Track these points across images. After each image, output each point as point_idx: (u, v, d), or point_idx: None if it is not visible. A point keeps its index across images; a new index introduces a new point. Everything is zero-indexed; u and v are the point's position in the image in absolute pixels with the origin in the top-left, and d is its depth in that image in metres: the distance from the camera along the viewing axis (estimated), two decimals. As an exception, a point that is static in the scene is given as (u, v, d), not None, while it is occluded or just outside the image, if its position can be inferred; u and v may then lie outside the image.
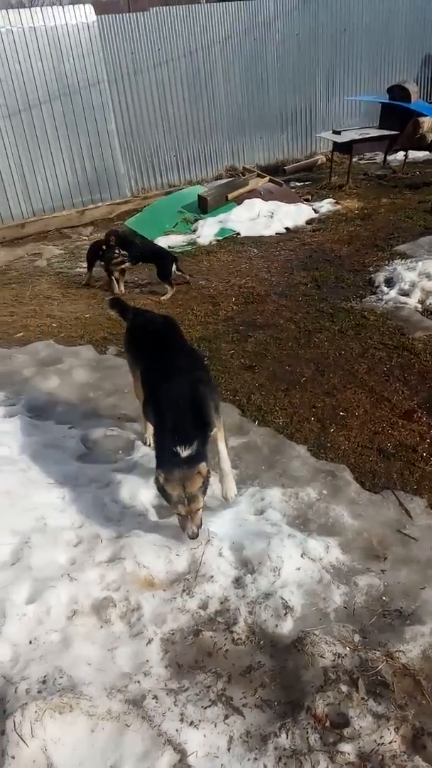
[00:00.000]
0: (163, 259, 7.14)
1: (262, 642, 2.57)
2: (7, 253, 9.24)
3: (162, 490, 2.88)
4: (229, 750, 2.14)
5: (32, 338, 6.04)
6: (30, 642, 2.49)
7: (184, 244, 8.75)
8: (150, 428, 3.90)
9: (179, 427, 2.91)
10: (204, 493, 2.92)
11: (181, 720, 2.19)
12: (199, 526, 2.88)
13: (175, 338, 3.77)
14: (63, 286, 7.64)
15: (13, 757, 2.05)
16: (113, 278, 7.30)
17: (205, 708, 2.26)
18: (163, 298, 6.90)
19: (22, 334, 6.21)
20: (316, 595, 2.80)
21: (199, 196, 9.64)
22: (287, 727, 2.18)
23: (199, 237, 8.83)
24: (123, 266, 7.27)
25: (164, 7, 11.01)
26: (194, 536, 2.87)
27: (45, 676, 2.30)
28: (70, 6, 9.87)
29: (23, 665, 2.37)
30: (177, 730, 2.14)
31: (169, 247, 8.60)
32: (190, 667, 2.46)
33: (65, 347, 5.76)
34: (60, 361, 5.40)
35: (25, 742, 2.05)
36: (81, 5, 9.85)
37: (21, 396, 4.80)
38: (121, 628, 2.63)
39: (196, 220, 9.38)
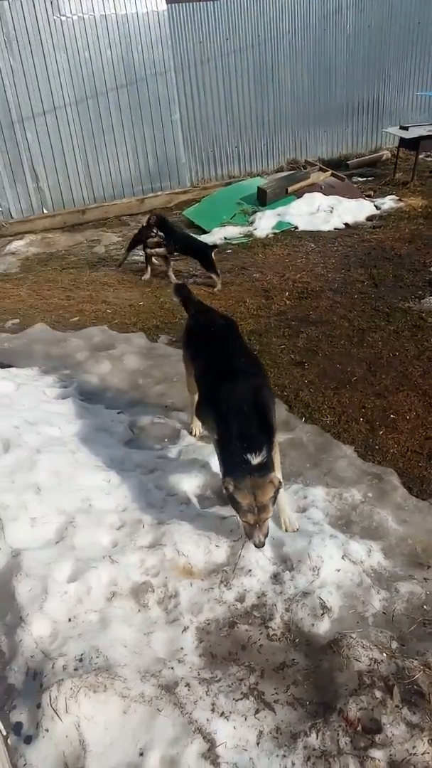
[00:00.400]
0: (203, 252, 7.21)
1: (297, 640, 2.56)
2: (67, 239, 9.42)
3: (231, 498, 2.77)
4: (258, 744, 2.14)
5: (87, 323, 6.15)
6: (69, 620, 2.55)
7: (241, 236, 8.72)
8: (197, 422, 3.90)
9: (248, 433, 2.81)
10: (274, 502, 2.82)
11: (212, 710, 2.20)
12: (266, 535, 2.79)
13: (237, 341, 3.67)
14: (119, 272, 7.74)
15: (47, 730, 2.11)
16: (150, 262, 7.45)
17: (237, 700, 2.27)
18: (216, 289, 6.93)
19: (77, 318, 6.33)
20: (355, 598, 2.76)
21: (258, 188, 9.59)
22: (318, 727, 2.17)
23: (255, 229, 8.78)
24: (159, 249, 7.34)
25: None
26: (261, 545, 2.78)
27: (82, 655, 2.35)
28: (142, -6, 9.93)
29: (61, 642, 2.43)
30: (207, 720, 2.16)
31: (225, 238, 8.61)
32: (223, 658, 2.47)
33: (118, 333, 5.85)
34: (112, 347, 5.49)
35: (59, 716, 2.10)
36: (152, -6, 9.91)
37: (74, 379, 4.91)
38: (157, 614, 2.66)
39: (254, 213, 9.33)
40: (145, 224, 7.40)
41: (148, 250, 7.37)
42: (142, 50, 9.97)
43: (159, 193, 10.77)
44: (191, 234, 8.05)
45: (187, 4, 10.60)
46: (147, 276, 7.46)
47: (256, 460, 2.73)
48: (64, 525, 3.08)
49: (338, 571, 2.86)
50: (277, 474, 3.18)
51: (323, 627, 2.60)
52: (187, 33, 10.38)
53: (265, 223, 8.88)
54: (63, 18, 9.28)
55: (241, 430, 2.82)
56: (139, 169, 10.62)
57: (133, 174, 10.59)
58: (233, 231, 8.88)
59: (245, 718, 2.21)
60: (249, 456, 2.73)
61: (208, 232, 8.93)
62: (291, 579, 2.80)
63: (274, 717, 2.24)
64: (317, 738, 2.14)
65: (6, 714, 2.25)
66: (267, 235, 8.60)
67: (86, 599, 2.65)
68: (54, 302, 6.85)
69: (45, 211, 9.98)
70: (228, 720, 2.18)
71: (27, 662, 2.38)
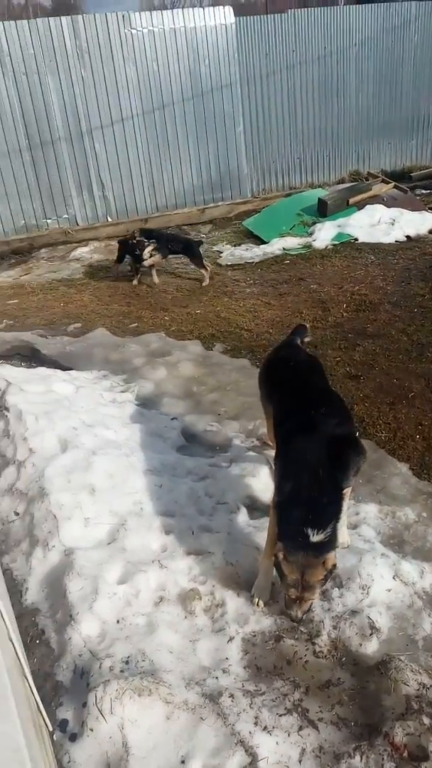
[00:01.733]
0: (191, 247, 7.59)
1: (344, 659, 2.52)
2: (128, 246, 9.60)
3: (278, 567, 2.49)
4: (300, 762, 2.12)
5: (145, 330, 6.26)
6: (117, 621, 2.59)
7: (299, 246, 8.69)
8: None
9: (314, 505, 2.46)
10: (323, 585, 2.52)
11: (255, 723, 2.19)
12: (305, 613, 2.54)
13: (319, 379, 3.28)
14: (178, 281, 7.84)
15: (92, 730, 2.14)
16: (139, 270, 7.72)
17: (280, 716, 2.24)
18: (204, 284, 7.35)
19: (136, 324, 6.45)
20: (405, 619, 2.69)
21: (319, 199, 9.54)
22: (362, 750, 2.12)
23: (315, 240, 8.74)
24: (156, 257, 7.58)
25: (302, 9, 10.96)
26: (297, 621, 2.55)
27: (128, 657, 2.38)
28: (211, 8, 10.08)
29: (109, 643, 2.47)
30: (250, 733, 2.15)
31: (283, 249, 8.60)
32: (268, 671, 2.46)
33: (175, 341, 5.92)
34: (169, 354, 5.56)
35: (104, 717, 2.14)
36: (221, 7, 10.04)
37: (131, 384, 4.99)
38: (204, 622, 2.66)
39: (314, 224, 9.29)
40: (131, 239, 7.70)
41: (146, 261, 7.61)
42: (209, 63, 10.12)
43: (220, 203, 10.87)
44: (176, 233, 8.35)
45: (255, 16, 10.71)
46: (135, 282, 7.76)
47: (315, 537, 2.40)
48: (116, 527, 3.14)
49: (389, 591, 2.80)
50: (342, 534, 2.96)
51: (371, 647, 2.55)
52: (253, 45, 10.46)
53: (324, 234, 8.82)
54: (134, 31, 9.53)
55: (308, 499, 2.48)
56: (202, 179, 10.75)
57: (196, 184, 10.73)
58: (292, 242, 8.86)
59: (288, 734, 2.19)
60: (309, 531, 2.40)
61: (267, 243, 8.95)
62: (340, 596, 2.76)
63: (317, 735, 2.21)
64: (361, 761, 2.09)
65: (53, 710, 2.30)
66: (326, 247, 8.54)
67: (134, 602, 2.68)
68: (114, 308, 7.01)
69: (109, 219, 10.23)
70: (271, 735, 2.17)
71: (75, 660, 2.43)
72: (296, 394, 3.07)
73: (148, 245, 7.50)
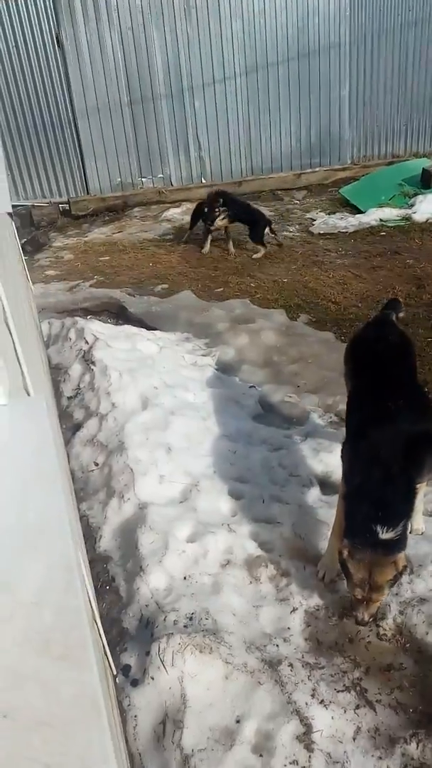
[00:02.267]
0: (256, 222, 7.39)
1: (408, 645, 2.46)
2: (220, 209, 9.53)
3: (343, 565, 2.36)
4: (354, 740, 2.11)
5: (231, 295, 6.23)
6: (185, 578, 2.65)
7: (398, 218, 8.31)
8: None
9: (385, 501, 2.33)
10: (392, 586, 2.40)
11: (312, 695, 2.19)
12: (372, 616, 2.41)
13: (405, 368, 3.01)
14: (267, 247, 7.71)
15: (153, 678, 2.22)
16: (209, 236, 7.61)
17: (338, 692, 2.24)
18: (255, 256, 7.28)
19: (222, 289, 6.43)
20: None
21: (423, 169, 9.04)
22: (419, 737, 2.08)
23: (415, 213, 8.31)
24: (221, 221, 7.42)
25: (425, -37, 10.24)
26: (363, 624, 2.41)
27: (192, 614, 2.44)
28: (326, -39, 9.61)
29: (175, 597, 2.54)
30: (306, 704, 2.16)
31: (380, 220, 8.25)
32: (329, 647, 2.44)
33: (259, 308, 5.86)
34: (252, 321, 5.52)
35: (165, 668, 2.20)
36: (337, -40, 9.55)
37: (213, 348, 5.01)
38: (268, 589, 2.68)
39: (416, 195, 8.82)
40: (207, 201, 7.52)
41: (214, 225, 7.46)
42: (318, 21, 9.68)
43: (317, 168, 10.54)
44: (250, 204, 8.01)
45: (372, -29, 10.12)
46: (206, 248, 7.63)
47: (385, 534, 2.26)
48: (189, 487, 3.19)
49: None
50: (417, 520, 2.90)
51: (438, 637, 2.48)
52: (367, 2, 9.90)
53: (426, 207, 8.36)
54: (243, -15, 9.25)
55: (379, 494, 2.34)
56: (300, 143, 10.44)
57: (294, 148, 10.43)
58: (390, 213, 8.48)
59: (344, 711, 2.18)
60: (378, 527, 2.27)
61: (364, 212, 8.61)
62: (409, 582, 2.68)
63: (374, 716, 2.19)
64: (417, 748, 2.06)
65: (117, 654, 2.40)
66: (427, 220, 8.11)
67: (202, 561, 2.73)
68: (201, 271, 7.01)
69: (203, 181, 10.16)
70: (327, 709, 2.16)
71: (141, 610, 2.51)
72: (378, 380, 2.86)
73: (220, 214, 7.40)
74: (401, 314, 3.70)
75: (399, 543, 2.31)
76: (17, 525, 0.77)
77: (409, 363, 3.10)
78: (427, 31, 10.34)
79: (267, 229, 7.42)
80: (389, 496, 2.34)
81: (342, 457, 2.72)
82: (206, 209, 7.46)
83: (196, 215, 7.83)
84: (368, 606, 2.36)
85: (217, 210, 7.37)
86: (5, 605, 0.68)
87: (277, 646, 2.38)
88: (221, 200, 7.40)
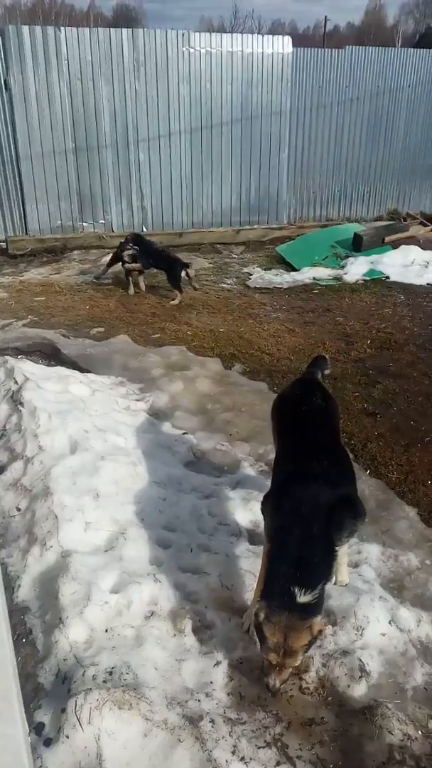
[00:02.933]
0: (171, 266, 7.69)
1: (330, 698, 2.46)
2: (160, 258, 9.69)
3: (258, 628, 2.29)
4: (274, 799, 2.06)
5: (167, 341, 6.28)
6: (106, 630, 2.56)
7: (330, 278, 8.71)
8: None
9: (304, 562, 2.30)
10: (306, 652, 2.32)
11: (233, 752, 2.14)
12: (284, 682, 2.33)
13: (328, 429, 3.05)
14: (205, 297, 7.88)
15: (68, 737, 2.11)
16: (129, 279, 7.91)
17: (259, 748, 2.19)
18: (171, 302, 7.52)
19: (158, 335, 6.48)
20: (396, 666, 2.63)
21: (355, 233, 9.58)
22: (339, 796, 2.07)
23: (346, 274, 8.75)
24: (135, 264, 7.77)
25: (359, 47, 11.11)
26: (274, 691, 2.31)
27: (113, 668, 2.35)
28: (271, 36, 10.25)
29: (95, 651, 2.45)
30: (227, 761, 2.10)
31: (313, 278, 8.62)
32: (252, 701, 2.41)
33: (195, 356, 5.93)
34: (187, 368, 5.57)
35: (81, 726, 2.10)
36: (280, 36, 10.21)
37: (147, 393, 5.00)
38: (192, 642, 2.62)
39: (347, 257, 9.31)
40: (123, 242, 7.92)
41: (126, 266, 7.80)
42: (261, 89, 10.26)
43: (255, 226, 10.95)
44: (165, 250, 8.40)
45: (312, 48, 10.88)
46: (131, 291, 7.90)
47: (302, 598, 2.23)
48: (116, 535, 3.12)
49: (383, 635, 2.74)
50: (341, 572, 2.90)
51: (359, 690, 2.49)
52: (307, 77, 10.59)
53: (356, 269, 8.83)
54: (192, 50, 9.71)
55: (298, 555, 2.32)
56: (240, 201, 10.85)
57: (234, 205, 10.83)
58: (323, 272, 8.89)
59: (265, 768, 2.13)
60: (295, 590, 2.23)
61: (298, 270, 8.98)
62: (332, 634, 2.71)
63: (294, 774, 2.15)
64: (337, 807, 2.04)
65: (30, 711, 2.27)
66: (356, 281, 8.55)
67: (126, 613, 2.66)
68: (139, 317, 7.05)
69: (144, 229, 10.33)
70: (247, 766, 2.12)
71: (59, 664, 2.40)
72: (302, 440, 2.90)
73: (129, 249, 7.71)
74: (327, 371, 3.82)
75: (316, 607, 2.28)
76: None
77: (332, 424, 3.15)
78: (361, 108, 11.13)
79: (183, 273, 7.67)
80: (309, 558, 2.32)
81: (263, 510, 2.74)
82: (121, 251, 7.78)
83: (114, 258, 8.07)
84: (281, 672, 2.29)
85: (128, 246, 7.71)
86: None
87: (199, 701, 2.33)
88: (133, 241, 7.78)
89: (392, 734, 2.28)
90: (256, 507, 3.57)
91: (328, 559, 2.40)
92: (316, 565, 2.33)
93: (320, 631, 2.31)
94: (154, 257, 7.83)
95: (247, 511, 3.56)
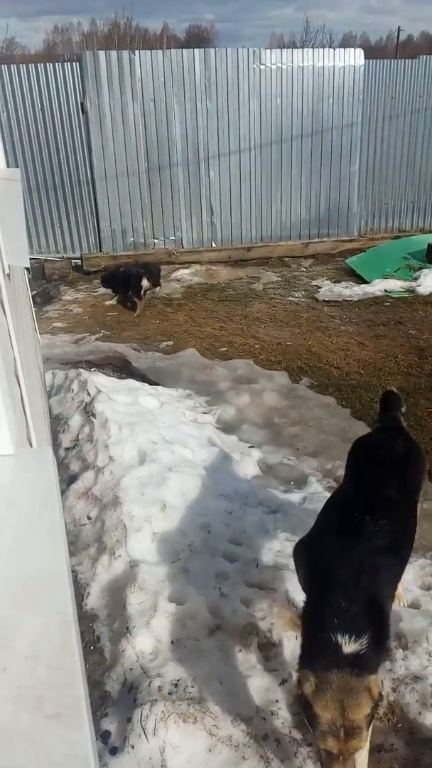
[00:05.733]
0: (128, 279, 8.01)
1: (400, 725, 2.38)
2: (229, 273, 9.78)
3: (305, 705, 1.82)
4: None
5: (234, 355, 6.31)
6: (172, 642, 2.58)
7: (402, 290, 8.50)
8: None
9: (346, 608, 1.95)
10: (370, 724, 1.84)
11: (298, 775, 2.10)
12: None
13: (400, 486, 2.58)
14: (273, 311, 7.88)
15: (133, 747, 2.14)
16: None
17: (325, 773, 2.14)
18: (134, 314, 7.75)
19: (226, 349, 6.52)
20: (471, 696, 2.51)
21: (429, 245, 9.33)
22: None
23: (419, 285, 8.52)
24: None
25: (433, 56, 10.88)
26: None
27: (178, 680, 2.36)
28: (342, 49, 10.21)
29: (161, 662, 2.47)
30: (291, 784, 2.06)
31: (385, 290, 8.44)
32: (318, 723, 2.35)
33: (262, 369, 5.93)
34: (255, 381, 5.57)
35: (147, 737, 2.12)
36: (352, 49, 10.14)
37: (214, 406, 5.04)
38: (258, 658, 2.60)
39: (420, 269, 9.07)
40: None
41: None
42: (333, 102, 10.21)
43: (325, 239, 10.86)
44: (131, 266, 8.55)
45: (385, 60, 10.73)
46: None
47: (350, 646, 1.83)
48: (182, 546, 3.14)
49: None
50: (397, 594, 2.58)
51: (431, 718, 2.39)
52: (380, 88, 10.45)
53: (430, 280, 8.59)
54: (262, 67, 9.80)
55: (338, 602, 1.97)
56: (309, 214, 10.80)
57: (303, 218, 10.79)
58: (395, 284, 8.69)
59: (331, 794, 2.07)
60: (340, 638, 1.85)
61: (369, 283, 8.83)
62: (404, 658, 2.62)
63: (362, 802, 2.08)
64: None
65: (97, 719, 2.31)
66: (430, 293, 8.31)
67: (191, 625, 2.67)
68: (207, 331, 7.13)
69: (213, 245, 10.46)
70: (313, 790, 2.07)
71: (126, 674, 2.44)
72: (361, 489, 2.56)
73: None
74: (403, 409, 3.44)
75: (369, 660, 1.86)
76: (17, 577, 0.77)
77: (407, 478, 2.67)
78: (434, 118, 10.87)
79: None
80: (353, 606, 1.96)
81: (296, 555, 2.46)
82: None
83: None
84: (345, 763, 1.73)
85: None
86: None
87: (264, 719, 2.30)
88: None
89: None
90: (324, 524, 3.53)
91: (374, 613, 2.02)
92: (360, 613, 1.96)
93: (380, 695, 1.86)
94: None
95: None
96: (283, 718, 2.34)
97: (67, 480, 3.90)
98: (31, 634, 0.71)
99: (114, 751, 2.17)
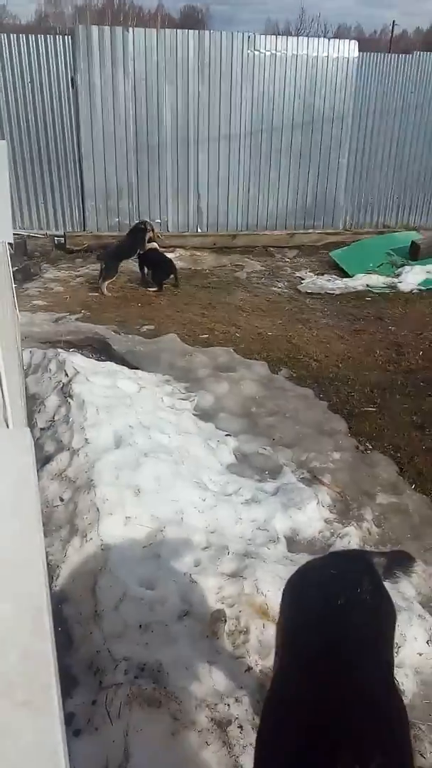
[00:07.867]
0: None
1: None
2: (213, 259, 9.74)
3: None
4: None
5: (215, 342, 6.30)
6: (140, 626, 2.59)
7: (384, 286, 8.56)
8: None
9: None
10: None
11: (260, 761, 2.12)
12: None
13: (375, 655, 1.64)
14: (255, 300, 7.87)
15: (96, 729, 2.14)
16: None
17: (286, 759, 2.17)
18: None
19: (207, 336, 6.50)
20: (432, 689, 2.57)
21: (412, 241, 9.39)
22: None
23: (401, 282, 8.58)
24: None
25: (427, 53, 10.88)
26: None
27: (145, 665, 2.37)
28: (337, 40, 10.16)
29: (128, 646, 2.47)
30: (253, 769, 2.09)
31: (366, 285, 8.48)
32: (281, 711, 2.38)
33: (242, 358, 5.93)
34: (234, 370, 5.57)
35: (111, 719, 2.13)
36: (347, 40, 10.11)
37: (192, 393, 5.03)
38: (225, 645, 2.62)
39: (403, 265, 9.13)
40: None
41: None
42: (325, 93, 10.17)
43: (310, 230, 10.86)
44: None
45: (379, 53, 10.71)
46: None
47: None
48: (155, 532, 3.14)
49: (420, 655, 2.68)
50: None
51: None
52: (372, 82, 10.44)
53: (412, 277, 8.65)
54: (256, 53, 9.71)
55: None
56: (296, 204, 10.78)
57: (289, 209, 10.77)
58: (377, 280, 8.74)
59: (291, 781, 2.11)
60: None
61: (351, 277, 8.86)
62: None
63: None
64: None
65: (61, 701, 2.31)
66: (411, 290, 8.37)
67: (160, 610, 2.67)
68: (189, 317, 7.09)
69: (199, 230, 10.40)
70: (273, 777, 2.10)
71: (93, 657, 2.44)
72: (319, 669, 1.54)
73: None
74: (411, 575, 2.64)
75: None
76: (-12, 559, 0.76)
77: (380, 642, 1.72)
78: (425, 115, 10.90)
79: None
80: None
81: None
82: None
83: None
84: None
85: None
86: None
87: (228, 705, 2.32)
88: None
89: (424, 757, 2.22)
90: (296, 515, 3.56)
91: None
92: None
93: None
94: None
95: (287, 518, 3.54)
96: (246, 705, 2.36)
97: (42, 461, 3.86)
98: (3, 619, 0.70)
99: (77, 733, 2.18)
